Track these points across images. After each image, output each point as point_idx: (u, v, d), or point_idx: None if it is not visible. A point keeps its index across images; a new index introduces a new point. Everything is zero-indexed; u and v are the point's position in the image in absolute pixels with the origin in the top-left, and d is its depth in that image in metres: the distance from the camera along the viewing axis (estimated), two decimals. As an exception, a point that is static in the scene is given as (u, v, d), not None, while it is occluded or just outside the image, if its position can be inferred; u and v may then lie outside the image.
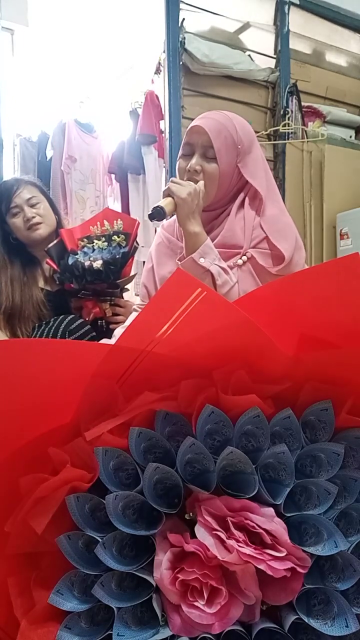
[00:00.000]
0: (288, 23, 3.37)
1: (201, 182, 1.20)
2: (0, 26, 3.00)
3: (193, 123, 1.25)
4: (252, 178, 1.24)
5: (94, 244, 1.66)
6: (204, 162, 1.21)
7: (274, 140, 3.27)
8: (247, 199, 1.26)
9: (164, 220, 1.20)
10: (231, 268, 1.20)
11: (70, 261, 1.63)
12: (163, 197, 1.19)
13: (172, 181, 1.20)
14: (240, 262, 1.20)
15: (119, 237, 1.65)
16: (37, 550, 0.63)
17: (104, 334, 1.61)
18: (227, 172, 1.22)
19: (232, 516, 0.57)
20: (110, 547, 0.59)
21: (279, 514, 0.58)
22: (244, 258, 1.20)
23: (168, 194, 1.17)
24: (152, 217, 1.16)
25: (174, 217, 1.29)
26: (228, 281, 1.16)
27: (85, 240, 1.69)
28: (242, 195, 1.26)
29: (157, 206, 1.15)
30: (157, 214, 1.15)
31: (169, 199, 1.17)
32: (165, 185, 1.23)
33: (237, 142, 1.22)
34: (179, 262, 1.20)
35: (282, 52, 3.34)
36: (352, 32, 3.75)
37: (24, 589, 0.62)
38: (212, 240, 1.23)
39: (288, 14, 3.37)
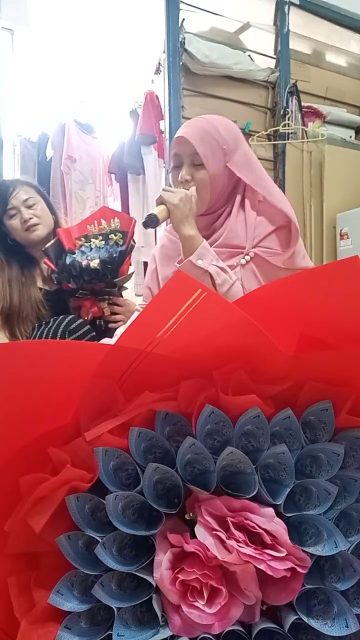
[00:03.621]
0: (288, 23, 3.37)
1: (193, 188, 1.23)
2: (0, 26, 3.00)
3: (177, 134, 1.28)
4: (242, 173, 1.26)
5: (92, 243, 1.66)
6: (193, 170, 1.25)
7: (274, 140, 3.27)
8: (246, 196, 1.28)
9: (157, 227, 1.24)
10: (234, 267, 1.22)
11: (68, 261, 1.63)
12: (156, 205, 1.22)
13: (164, 189, 1.24)
14: (243, 261, 1.22)
15: (116, 235, 1.65)
16: (37, 550, 0.63)
17: (103, 333, 1.62)
18: (217, 175, 1.25)
19: (232, 516, 0.57)
20: (110, 547, 0.59)
21: (279, 514, 0.58)
22: (247, 257, 1.22)
23: (161, 202, 1.21)
24: (146, 224, 1.20)
25: None
26: (227, 280, 1.17)
27: (82, 239, 1.69)
28: (240, 193, 1.28)
29: (151, 214, 1.19)
30: (151, 222, 1.19)
31: (162, 206, 1.20)
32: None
33: (222, 143, 1.25)
34: (178, 265, 1.23)
35: (282, 52, 3.34)
36: (352, 32, 3.75)
37: (24, 589, 0.62)
38: (215, 241, 1.26)
39: (288, 14, 3.36)
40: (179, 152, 1.27)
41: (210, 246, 1.24)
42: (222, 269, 1.18)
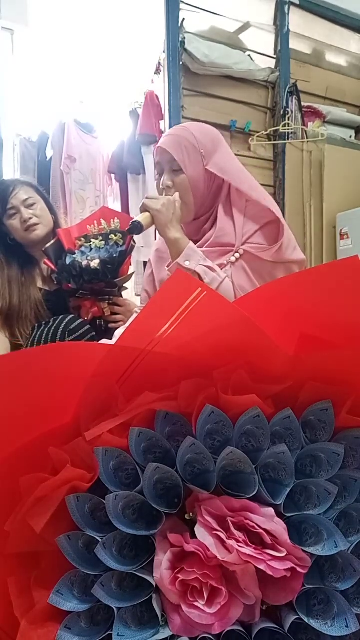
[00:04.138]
0: (288, 23, 3.37)
1: (176, 194, 1.27)
2: (0, 26, 3.00)
3: (157, 145, 1.33)
4: (223, 173, 1.29)
5: (92, 243, 1.66)
6: (173, 176, 1.29)
7: (274, 140, 3.27)
8: (232, 198, 1.30)
9: (141, 233, 1.27)
10: (224, 266, 1.24)
11: (68, 261, 1.63)
12: (140, 213, 1.26)
13: (146, 197, 1.28)
14: (233, 259, 1.25)
15: (116, 235, 1.65)
16: (37, 550, 0.63)
17: (103, 333, 1.62)
18: (196, 178, 1.28)
19: (232, 516, 0.57)
20: (110, 547, 0.59)
21: (279, 514, 0.58)
22: (237, 255, 1.25)
23: (144, 209, 1.25)
24: (130, 231, 1.24)
25: None
26: (216, 278, 1.20)
27: (82, 239, 1.69)
28: (225, 195, 1.31)
29: (135, 221, 1.23)
30: (135, 228, 1.23)
31: (146, 213, 1.24)
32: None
33: (199, 147, 1.28)
34: (167, 269, 1.27)
35: (282, 52, 3.34)
36: (352, 32, 3.75)
37: (24, 589, 0.62)
38: (206, 242, 1.29)
39: (288, 14, 3.37)
40: (159, 161, 1.31)
41: (201, 247, 1.27)
42: (209, 268, 1.20)
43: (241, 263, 1.24)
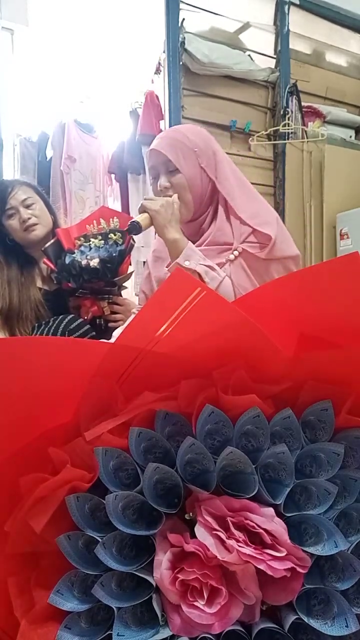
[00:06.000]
0: (288, 23, 3.37)
1: (175, 196, 1.27)
2: (0, 26, 3.00)
3: (149, 149, 1.34)
4: (216, 177, 1.30)
5: (91, 242, 1.66)
6: (170, 176, 1.29)
7: (274, 140, 3.26)
8: (228, 197, 1.31)
9: (140, 233, 1.27)
10: (223, 264, 1.25)
11: (67, 260, 1.63)
12: (139, 214, 1.26)
13: (145, 198, 1.28)
14: (232, 257, 1.26)
15: (115, 235, 1.65)
16: (37, 550, 0.63)
17: (103, 332, 1.62)
18: (193, 176, 1.29)
19: (232, 516, 0.57)
20: (110, 547, 0.59)
21: (279, 514, 0.58)
22: (235, 253, 1.26)
23: (143, 210, 1.25)
24: (129, 231, 1.24)
25: None
26: (216, 277, 1.20)
27: (82, 239, 1.69)
28: (221, 195, 1.31)
29: (133, 221, 1.23)
30: (133, 228, 1.23)
31: (145, 214, 1.24)
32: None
33: (192, 146, 1.29)
34: (167, 269, 1.27)
35: (282, 52, 3.34)
36: (352, 32, 3.74)
37: (24, 589, 0.62)
38: (204, 241, 1.29)
39: (288, 14, 3.36)
40: (154, 164, 1.31)
41: (200, 246, 1.27)
42: (209, 267, 1.21)
43: (239, 261, 1.25)
